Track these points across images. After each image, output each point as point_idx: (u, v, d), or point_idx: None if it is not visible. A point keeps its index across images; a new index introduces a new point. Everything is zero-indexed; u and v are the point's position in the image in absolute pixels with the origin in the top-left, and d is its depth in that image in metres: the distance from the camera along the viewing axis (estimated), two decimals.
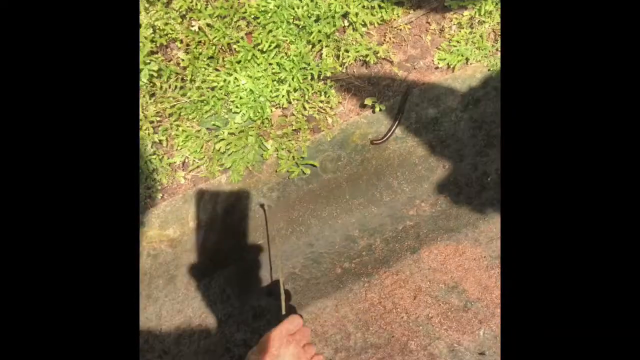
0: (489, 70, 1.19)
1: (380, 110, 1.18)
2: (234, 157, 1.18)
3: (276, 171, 1.18)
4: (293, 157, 1.18)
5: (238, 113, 1.17)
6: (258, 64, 1.17)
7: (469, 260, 1.11)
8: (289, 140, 1.18)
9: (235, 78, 1.16)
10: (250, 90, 1.17)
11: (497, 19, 1.17)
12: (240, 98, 1.17)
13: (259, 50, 1.16)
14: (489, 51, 1.19)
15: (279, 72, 1.17)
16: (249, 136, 1.18)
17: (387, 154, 1.20)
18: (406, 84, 1.20)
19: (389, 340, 1.10)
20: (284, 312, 0.89)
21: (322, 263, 1.20)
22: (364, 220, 1.20)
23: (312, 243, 1.20)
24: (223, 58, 1.17)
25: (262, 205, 1.17)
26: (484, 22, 1.17)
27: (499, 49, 1.19)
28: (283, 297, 0.90)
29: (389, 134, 1.17)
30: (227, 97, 1.17)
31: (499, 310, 1.07)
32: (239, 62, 1.16)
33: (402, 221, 1.21)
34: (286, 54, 1.17)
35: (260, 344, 0.73)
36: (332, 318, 1.15)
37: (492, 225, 1.14)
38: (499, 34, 1.18)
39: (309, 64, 1.16)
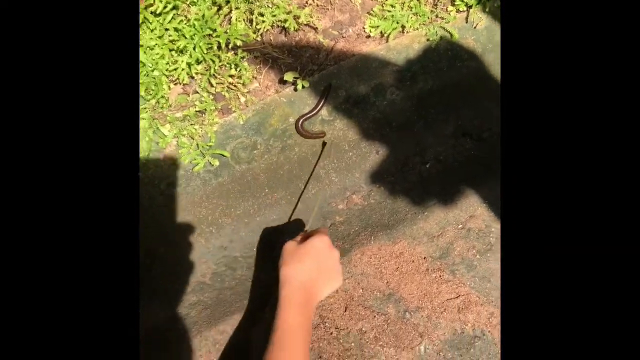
0: (427, 40, 1.02)
1: (303, 87, 0.98)
2: None
3: (176, 162, 0.97)
4: (197, 145, 0.97)
5: None
6: (151, 30, 0.95)
7: (407, 263, 0.95)
8: (192, 125, 0.97)
9: None
10: (142, 62, 0.94)
11: None
12: None
13: (151, 12, 0.93)
14: (428, 18, 1.01)
15: (177, 40, 0.95)
16: (141, 119, 0.95)
17: (312, 140, 1.02)
18: (332, 58, 1.01)
19: None
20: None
21: (237, 269, 1.00)
22: (287, 217, 1.01)
23: (225, 246, 1.01)
24: None
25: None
26: None
27: (439, 15, 1.02)
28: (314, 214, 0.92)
29: (312, 113, 0.99)
30: None
31: (441, 321, 0.92)
32: None
33: (330, 217, 1.03)
34: (186, 17, 0.95)
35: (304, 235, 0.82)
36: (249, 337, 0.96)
37: (432, 222, 0.98)
38: None
39: (214, 30, 0.95)
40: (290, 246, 0.79)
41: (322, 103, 0.98)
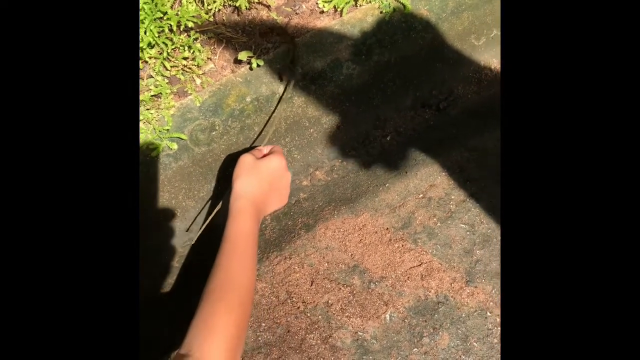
0: (381, 12, 1.02)
1: (259, 65, 0.98)
2: None
3: None
4: (154, 129, 0.97)
5: None
6: None
7: (370, 234, 0.96)
8: (148, 109, 0.96)
9: None
10: None
11: None
12: None
13: None
14: None
15: None
16: None
17: (272, 117, 1.02)
18: (289, 35, 1.01)
19: (284, 337, 0.93)
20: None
21: (204, 252, 1.01)
22: None
23: (191, 228, 1.01)
24: None
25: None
26: None
27: None
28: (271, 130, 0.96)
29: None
30: None
31: (405, 289, 0.94)
32: None
33: (295, 194, 1.04)
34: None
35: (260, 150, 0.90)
36: None
37: (393, 193, 0.99)
38: None
39: (165, 13, 0.94)
40: (248, 159, 0.84)
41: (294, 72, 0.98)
